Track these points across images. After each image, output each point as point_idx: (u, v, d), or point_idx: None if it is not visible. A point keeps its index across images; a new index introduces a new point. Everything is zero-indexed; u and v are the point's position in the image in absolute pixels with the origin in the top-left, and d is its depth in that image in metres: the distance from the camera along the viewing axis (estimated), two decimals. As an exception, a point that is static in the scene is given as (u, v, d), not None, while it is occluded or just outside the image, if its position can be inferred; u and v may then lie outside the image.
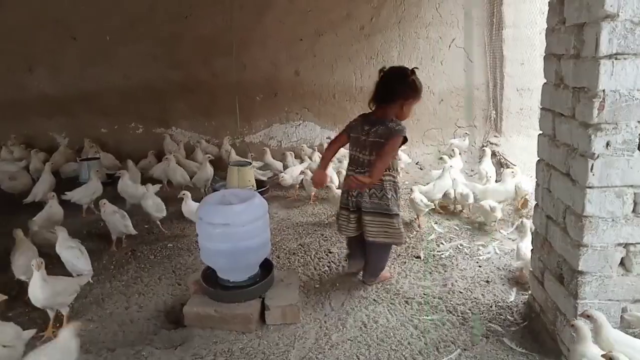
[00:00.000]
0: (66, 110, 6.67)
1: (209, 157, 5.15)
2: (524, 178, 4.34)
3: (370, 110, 3.00)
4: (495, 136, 6.10)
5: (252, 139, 6.61)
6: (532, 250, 2.80)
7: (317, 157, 5.49)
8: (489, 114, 6.19)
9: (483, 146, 6.06)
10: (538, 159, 2.72)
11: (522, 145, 5.74)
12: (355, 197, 3.00)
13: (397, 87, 2.87)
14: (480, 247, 3.70)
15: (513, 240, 3.78)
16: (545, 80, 2.59)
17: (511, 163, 5.12)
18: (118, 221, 3.73)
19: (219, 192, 2.92)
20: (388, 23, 6.17)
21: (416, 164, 6.01)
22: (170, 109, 6.64)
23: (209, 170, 5.02)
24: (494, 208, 3.93)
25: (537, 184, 2.72)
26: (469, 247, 3.72)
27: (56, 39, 6.39)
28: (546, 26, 2.51)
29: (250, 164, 4.97)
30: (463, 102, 6.26)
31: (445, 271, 3.36)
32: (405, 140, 2.91)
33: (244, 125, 6.58)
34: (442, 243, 3.82)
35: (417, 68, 2.97)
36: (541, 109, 2.65)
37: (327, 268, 3.46)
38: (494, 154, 5.67)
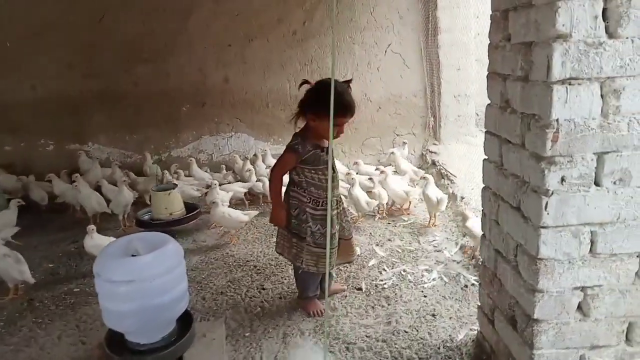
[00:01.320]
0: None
1: (126, 180, 4.60)
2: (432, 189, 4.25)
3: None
4: (434, 144, 5.94)
5: (180, 153, 6.11)
6: (479, 284, 2.57)
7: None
8: (428, 121, 6.02)
9: (423, 154, 5.90)
10: (484, 186, 2.48)
11: (461, 152, 5.61)
12: None
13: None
14: (425, 273, 3.45)
15: (458, 262, 3.57)
16: (489, 101, 2.33)
17: (451, 174, 4.94)
18: (11, 267, 3.17)
19: (122, 239, 2.46)
20: (322, 28, 5.86)
21: (356, 173, 5.71)
22: (86, 123, 6.00)
23: (127, 194, 4.49)
24: (440, 200, 4.07)
25: (484, 214, 2.48)
26: (413, 273, 3.46)
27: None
28: (488, 41, 2.26)
29: (176, 186, 4.49)
30: (401, 109, 6.05)
31: (388, 304, 3.08)
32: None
33: (169, 138, 6.05)
34: (384, 269, 3.54)
35: (349, 81, 2.75)
36: (486, 132, 2.40)
37: (259, 309, 3.08)
38: (433, 164, 5.50)
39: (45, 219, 4.88)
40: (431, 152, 5.78)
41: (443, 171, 5.12)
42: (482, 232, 2.50)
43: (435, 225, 4.23)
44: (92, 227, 3.55)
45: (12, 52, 5.69)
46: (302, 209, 2.76)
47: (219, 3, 5.74)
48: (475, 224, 3.37)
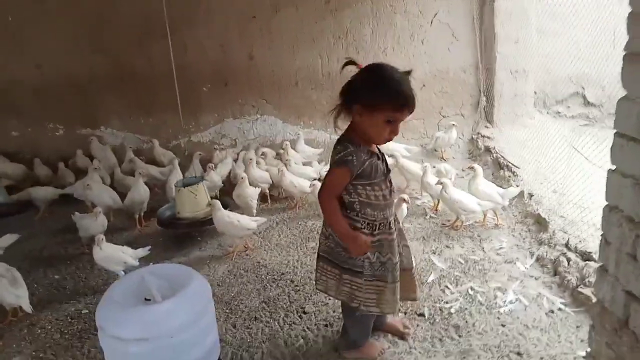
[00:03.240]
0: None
1: (142, 173, 4.05)
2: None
3: None
4: (486, 127, 5.25)
5: (201, 138, 5.53)
6: (592, 326, 1.97)
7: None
8: (479, 101, 5.32)
9: (473, 139, 5.22)
10: (609, 205, 1.84)
11: (519, 138, 4.92)
12: None
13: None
14: (498, 293, 2.86)
15: (536, 279, 2.96)
16: (626, 92, 1.67)
17: (513, 164, 4.28)
18: (5, 290, 2.66)
19: (132, 277, 1.91)
20: (358, -6, 5.15)
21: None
22: (97, 105, 5.45)
23: (144, 190, 3.95)
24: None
25: (606, 241, 1.85)
26: (483, 293, 2.86)
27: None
28: (629, 9, 1.59)
29: (203, 179, 3.93)
30: (448, 87, 5.35)
31: (459, 336, 2.50)
32: (352, 169, 1.97)
33: (189, 122, 5.47)
34: (447, 287, 2.95)
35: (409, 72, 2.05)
36: (616, 133, 1.75)
37: (301, 340, 2.53)
38: (487, 151, 4.83)
39: (55, 213, 4.38)
40: (483, 136, 5.10)
41: (501, 160, 4.45)
42: (601, 263, 1.88)
43: (499, 226, 3.61)
44: (100, 237, 3.02)
45: (13, 26, 5.12)
46: None
47: (242, -32, 5.07)
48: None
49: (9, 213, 4.31)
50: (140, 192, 3.90)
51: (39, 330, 2.73)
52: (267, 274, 3.21)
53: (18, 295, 2.67)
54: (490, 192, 3.54)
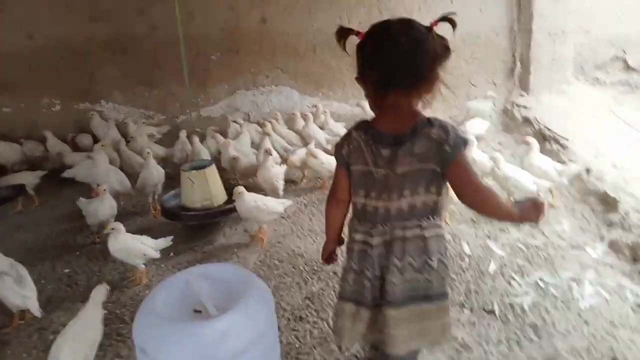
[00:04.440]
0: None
1: (149, 152, 3.61)
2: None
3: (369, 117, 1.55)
4: (521, 95, 4.85)
5: (211, 112, 5.10)
6: None
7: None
8: (513, 67, 4.91)
9: (508, 109, 4.82)
10: None
11: (559, 106, 4.53)
12: (375, 279, 1.52)
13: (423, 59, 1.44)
14: (572, 284, 2.52)
15: (612, 267, 2.63)
16: None
17: (561, 136, 3.91)
18: (11, 290, 2.29)
19: (176, 280, 1.54)
20: (382, -52, 4.66)
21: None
22: (97, 77, 4.99)
23: (156, 170, 3.55)
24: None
25: None
26: (555, 285, 2.53)
27: None
28: None
29: (212, 162, 3.50)
30: (478, 52, 4.92)
31: (539, 338, 2.18)
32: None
33: (197, 94, 5.02)
34: (512, 278, 2.61)
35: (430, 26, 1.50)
36: None
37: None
38: (527, 122, 4.44)
39: (60, 195, 3.99)
40: (519, 106, 4.70)
41: (546, 132, 4.07)
42: None
43: (554, 206, 3.26)
44: (116, 225, 2.64)
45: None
46: (443, 250, 1.57)
47: None
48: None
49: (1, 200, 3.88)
50: (152, 173, 3.50)
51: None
52: (305, 264, 2.85)
53: (25, 296, 2.30)
54: (547, 169, 3.16)
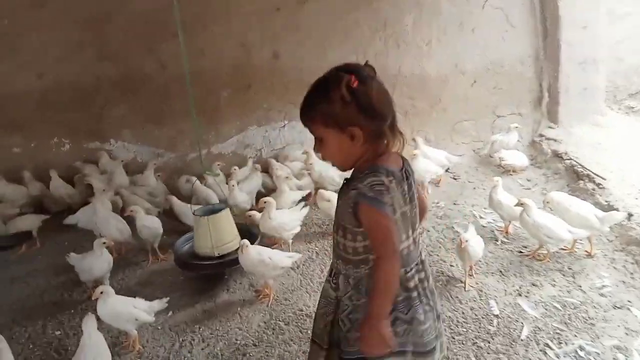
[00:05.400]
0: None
1: (132, 209, 3.38)
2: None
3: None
4: (549, 127, 4.54)
5: (222, 149, 4.92)
6: None
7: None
8: (541, 97, 4.61)
9: (535, 142, 4.51)
10: None
11: (592, 138, 4.21)
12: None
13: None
14: (617, 353, 2.19)
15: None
16: None
17: (596, 174, 3.57)
18: None
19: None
20: (397, -21, 4.48)
21: (446, 171, 4.40)
22: (106, 116, 4.87)
23: (155, 221, 3.35)
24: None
25: None
26: (598, 355, 2.20)
27: None
28: None
29: (227, 206, 3.27)
30: (502, 82, 4.65)
31: None
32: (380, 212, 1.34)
33: (208, 132, 4.86)
34: (547, 346, 2.28)
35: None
36: None
37: None
38: (557, 157, 4.12)
39: (61, 241, 3.83)
40: (548, 138, 4.39)
41: (579, 169, 3.74)
42: None
43: (592, 256, 2.92)
44: (104, 289, 2.42)
45: (10, 32, 4.56)
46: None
47: (262, -45, 4.44)
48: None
49: (6, 246, 3.74)
50: (150, 223, 3.30)
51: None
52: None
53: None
54: (586, 215, 2.84)
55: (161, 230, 3.38)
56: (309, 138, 4.60)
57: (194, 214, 3.16)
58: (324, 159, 1.47)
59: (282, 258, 2.84)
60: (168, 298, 2.60)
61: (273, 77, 4.72)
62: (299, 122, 4.56)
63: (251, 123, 4.89)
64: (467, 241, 2.68)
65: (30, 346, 2.63)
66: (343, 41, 4.61)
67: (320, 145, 1.43)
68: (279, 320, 2.66)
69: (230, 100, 4.82)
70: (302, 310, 2.72)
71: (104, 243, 2.97)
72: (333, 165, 1.48)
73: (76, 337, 2.68)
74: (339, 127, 1.36)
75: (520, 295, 2.68)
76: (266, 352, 2.42)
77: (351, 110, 1.33)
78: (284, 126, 4.87)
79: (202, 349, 2.50)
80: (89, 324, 2.22)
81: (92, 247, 2.96)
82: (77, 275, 3.06)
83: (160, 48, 4.66)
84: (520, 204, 2.90)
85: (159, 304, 2.54)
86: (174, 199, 3.75)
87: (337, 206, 1.48)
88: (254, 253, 2.76)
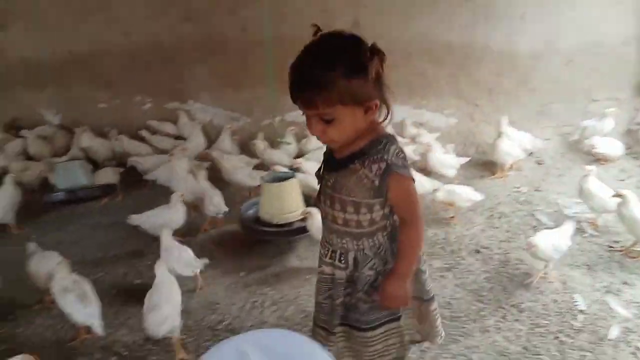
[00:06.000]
0: (56, 79, 5.15)
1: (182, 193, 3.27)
2: None
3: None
4: (651, 115, 4.16)
5: (294, 117, 4.90)
6: None
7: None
8: (643, 82, 4.23)
9: (631, 131, 4.16)
10: None
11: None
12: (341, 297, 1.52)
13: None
14: None
15: None
16: None
17: None
18: (73, 306, 2.19)
19: (225, 346, 1.29)
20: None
21: (529, 155, 4.16)
22: (186, 77, 4.98)
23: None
24: None
25: None
26: None
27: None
28: None
29: (294, 175, 3.27)
30: (600, 63, 4.28)
31: None
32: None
33: (283, 99, 4.85)
34: (638, 349, 2.12)
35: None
36: None
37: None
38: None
39: (141, 195, 3.98)
40: (648, 127, 4.03)
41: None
42: None
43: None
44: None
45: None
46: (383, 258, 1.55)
47: None
48: None
49: (92, 197, 3.95)
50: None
51: (114, 358, 2.26)
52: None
53: (88, 314, 2.20)
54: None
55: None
56: (383, 111, 4.46)
57: (261, 180, 3.20)
58: (328, 139, 1.36)
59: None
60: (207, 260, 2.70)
61: (353, 45, 4.60)
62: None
63: (326, 92, 4.82)
64: (534, 246, 2.51)
65: (113, 291, 2.77)
66: (428, 11, 4.40)
67: (327, 125, 1.31)
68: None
69: (308, 68, 4.75)
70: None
71: (182, 195, 3.07)
72: (331, 144, 1.41)
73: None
74: (357, 102, 1.29)
75: (609, 292, 2.49)
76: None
77: (369, 83, 1.28)
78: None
79: (273, 311, 2.53)
80: (161, 267, 2.30)
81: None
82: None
83: (242, 11, 4.66)
84: (618, 195, 2.67)
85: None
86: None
87: (334, 186, 1.42)
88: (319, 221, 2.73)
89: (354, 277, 1.47)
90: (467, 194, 3.24)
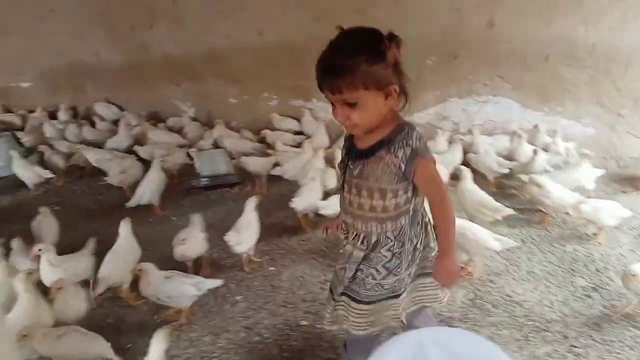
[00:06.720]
0: (191, 73, 5.57)
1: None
2: None
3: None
4: None
5: (417, 118, 4.85)
6: None
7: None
8: None
9: None
10: None
11: None
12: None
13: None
14: None
15: None
16: None
17: None
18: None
19: (405, 339, 1.31)
20: None
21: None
22: (311, 76, 5.09)
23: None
24: None
25: None
26: None
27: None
28: None
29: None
30: None
31: None
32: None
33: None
34: None
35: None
36: None
37: None
38: None
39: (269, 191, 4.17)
40: None
41: None
42: None
43: None
44: (146, 266, 2.43)
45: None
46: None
47: None
48: None
49: (229, 184, 4.21)
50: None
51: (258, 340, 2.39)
52: (526, 317, 2.42)
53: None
54: None
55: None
56: (514, 117, 4.31)
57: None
58: (352, 124, 1.45)
59: (487, 238, 2.71)
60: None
61: (485, 46, 4.43)
62: (505, 97, 4.31)
63: (451, 94, 4.72)
64: (634, 275, 2.26)
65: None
66: (572, 10, 4.11)
67: (352, 110, 1.42)
68: (485, 301, 2.55)
69: (434, 69, 4.68)
70: (510, 297, 2.57)
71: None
72: (354, 129, 1.49)
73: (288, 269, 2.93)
74: (379, 87, 1.39)
75: None
76: (473, 330, 2.35)
77: (389, 68, 1.40)
78: (486, 100, 4.60)
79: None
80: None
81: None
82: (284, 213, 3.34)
83: (370, 10, 4.69)
84: None
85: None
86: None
87: (360, 174, 1.52)
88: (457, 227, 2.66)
89: (370, 256, 1.59)
90: (613, 210, 3.00)
